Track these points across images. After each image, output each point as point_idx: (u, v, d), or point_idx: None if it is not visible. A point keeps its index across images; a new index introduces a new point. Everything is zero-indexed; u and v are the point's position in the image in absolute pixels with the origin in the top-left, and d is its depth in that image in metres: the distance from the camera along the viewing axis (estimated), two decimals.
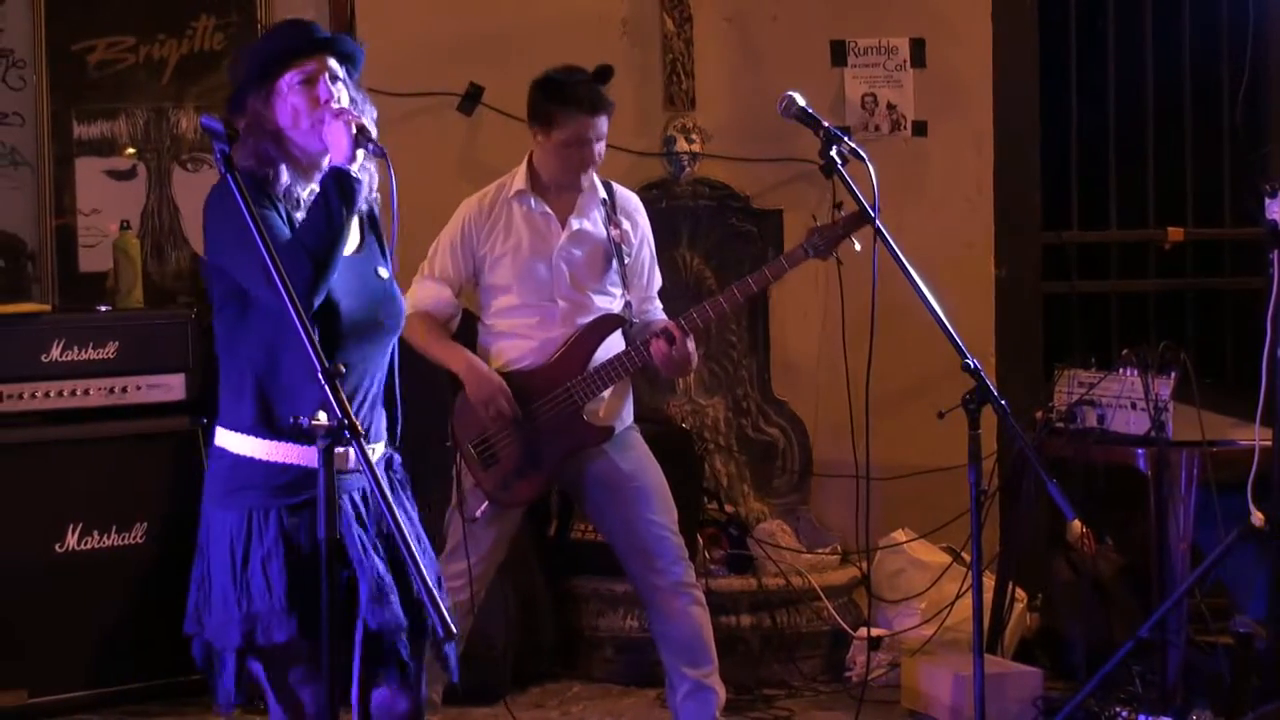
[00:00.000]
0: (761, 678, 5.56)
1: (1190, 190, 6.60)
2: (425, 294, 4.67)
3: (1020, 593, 5.60)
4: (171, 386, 5.30)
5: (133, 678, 5.20)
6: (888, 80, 6.21)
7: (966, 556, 5.06)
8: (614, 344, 4.63)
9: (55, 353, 5.18)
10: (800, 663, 5.63)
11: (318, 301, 3.13)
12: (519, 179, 4.66)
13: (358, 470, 3.18)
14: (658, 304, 4.79)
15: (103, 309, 5.41)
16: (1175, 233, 5.81)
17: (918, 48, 6.23)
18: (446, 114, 5.94)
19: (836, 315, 4.62)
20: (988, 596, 5.02)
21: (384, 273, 3.34)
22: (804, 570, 5.67)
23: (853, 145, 3.81)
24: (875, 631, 5.50)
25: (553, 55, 4.69)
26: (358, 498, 3.26)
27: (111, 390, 5.24)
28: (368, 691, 3.29)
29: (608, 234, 4.65)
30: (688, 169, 6.06)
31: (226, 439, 3.24)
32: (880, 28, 6.20)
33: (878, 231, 3.77)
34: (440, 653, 3.34)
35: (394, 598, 3.21)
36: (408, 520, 3.31)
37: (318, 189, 3.21)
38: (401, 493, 3.39)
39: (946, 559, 5.65)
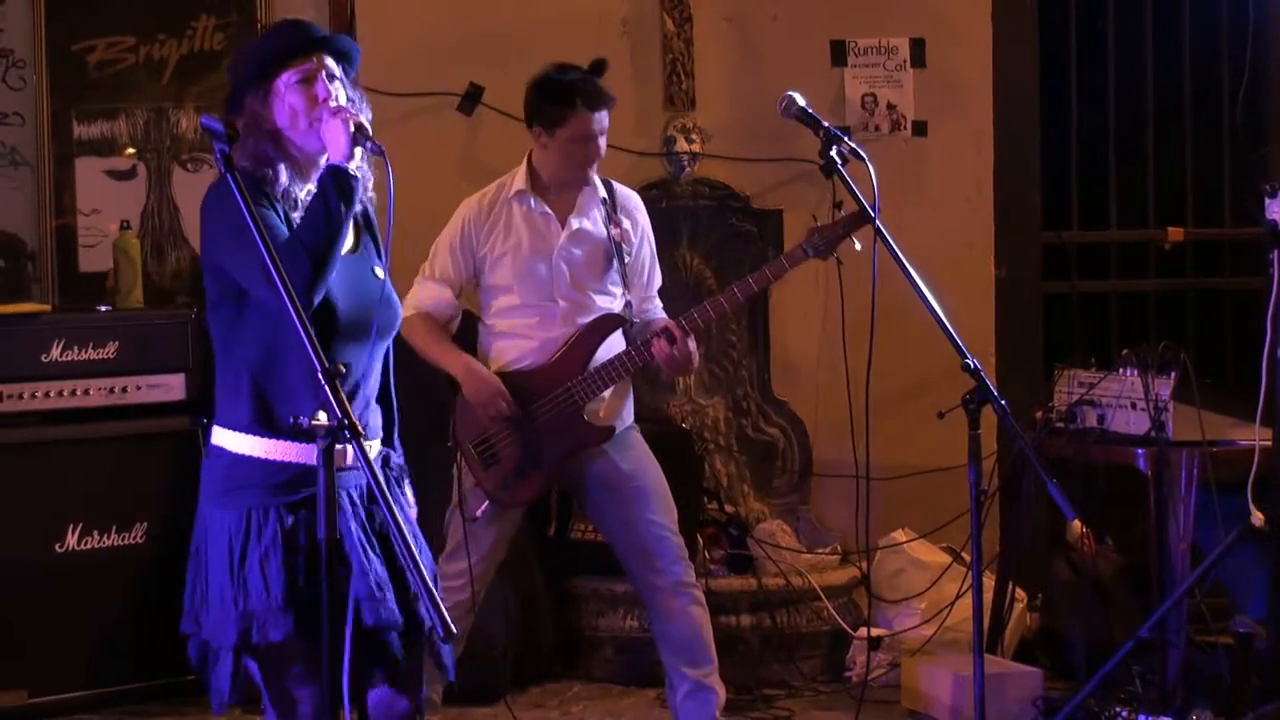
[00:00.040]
0: (761, 678, 5.56)
1: (1190, 190, 6.60)
2: (426, 295, 4.67)
3: (1020, 593, 5.60)
4: (171, 386, 5.30)
5: (133, 678, 5.20)
6: (888, 80, 6.21)
7: (966, 556, 5.06)
8: (615, 344, 4.63)
9: (55, 353, 5.18)
10: (800, 663, 5.63)
11: (317, 299, 3.13)
12: (519, 179, 4.66)
13: (355, 467, 3.18)
14: (658, 303, 4.79)
15: (103, 309, 5.41)
16: (1175, 233, 5.82)
17: (918, 48, 6.23)
18: (446, 114, 5.94)
19: (836, 315, 4.62)
20: (988, 596, 5.02)
21: (379, 272, 3.35)
22: (804, 570, 5.67)
23: (853, 145, 3.81)
24: (875, 631, 5.50)
25: (553, 55, 4.69)
26: (355, 495, 3.26)
27: (111, 390, 5.24)
28: (364, 691, 3.29)
29: (608, 233, 4.65)
30: (688, 169, 6.06)
31: (224, 438, 3.24)
32: (880, 28, 6.20)
33: (878, 231, 3.77)
34: (435, 652, 3.34)
35: (390, 596, 3.21)
36: (405, 519, 3.31)
37: (315, 188, 3.21)
38: (398, 489, 3.40)
39: (946, 559, 5.65)
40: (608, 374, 4.56)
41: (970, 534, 3.69)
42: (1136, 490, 5.05)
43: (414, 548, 2.91)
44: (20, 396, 5.13)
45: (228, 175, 2.96)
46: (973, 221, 6.26)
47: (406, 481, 3.51)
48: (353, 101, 3.26)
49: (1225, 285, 6.65)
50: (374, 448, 3.32)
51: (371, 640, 3.20)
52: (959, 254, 6.17)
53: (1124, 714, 4.67)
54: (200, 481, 3.28)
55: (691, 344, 4.52)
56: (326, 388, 2.84)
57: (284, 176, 3.24)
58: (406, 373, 3.81)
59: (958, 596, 5.41)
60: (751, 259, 5.97)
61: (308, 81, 3.23)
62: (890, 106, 6.21)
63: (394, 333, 3.38)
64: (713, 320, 4.67)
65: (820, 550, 5.83)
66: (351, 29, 5.81)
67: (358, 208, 3.27)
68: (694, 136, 6.04)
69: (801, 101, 3.93)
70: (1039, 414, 5.28)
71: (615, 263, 4.65)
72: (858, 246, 4.34)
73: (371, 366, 3.31)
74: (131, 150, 5.86)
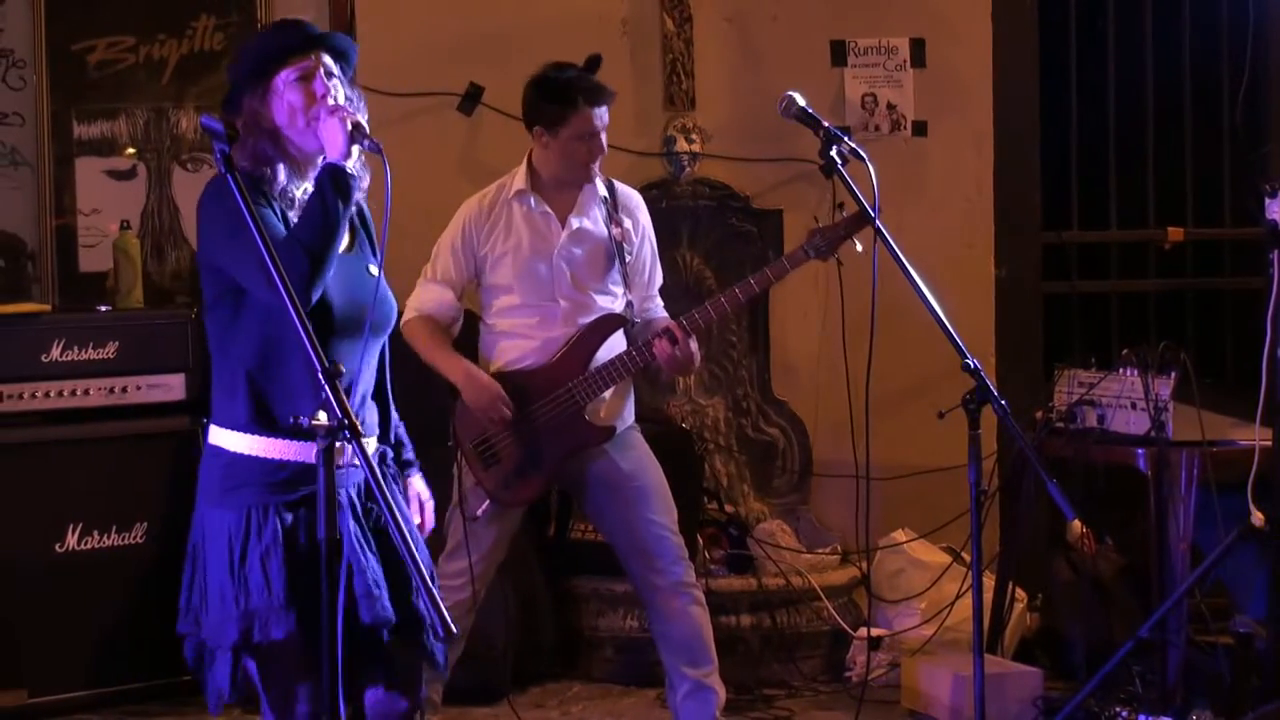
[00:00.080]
0: (761, 678, 5.56)
1: (1190, 190, 6.60)
2: (428, 297, 4.67)
3: (1020, 593, 5.60)
4: (171, 386, 5.30)
5: (133, 678, 5.20)
6: (888, 80, 6.21)
7: (966, 556, 5.06)
8: (616, 344, 4.63)
9: (55, 353, 5.18)
10: (800, 663, 5.63)
11: (315, 297, 3.13)
12: (519, 179, 4.66)
13: (353, 465, 3.18)
14: (659, 302, 4.79)
15: (103, 309, 5.41)
16: (1175, 233, 5.82)
17: (918, 48, 6.23)
18: (446, 114, 5.94)
19: (836, 315, 4.62)
20: (988, 596, 5.02)
21: (374, 270, 3.35)
22: (804, 570, 5.67)
23: (853, 145, 3.81)
24: (875, 631, 5.50)
25: (553, 55, 4.69)
26: (353, 493, 3.27)
27: (111, 390, 5.24)
28: (359, 690, 3.29)
29: (609, 233, 4.65)
30: (688, 169, 6.06)
31: (221, 437, 3.24)
32: (880, 28, 6.20)
33: (878, 232, 3.77)
34: (428, 650, 3.34)
35: (385, 594, 3.21)
36: (404, 517, 3.31)
37: (312, 187, 3.21)
38: (395, 487, 3.40)
39: (946, 559, 5.65)
40: (609, 374, 4.56)
41: (970, 534, 3.69)
42: (1136, 490, 5.05)
43: (413, 546, 2.91)
44: (20, 396, 5.13)
45: (228, 175, 2.96)
46: (973, 221, 6.26)
47: (419, 474, 3.51)
48: (350, 100, 3.27)
49: (1225, 285, 6.65)
50: (370, 445, 3.32)
51: (367, 638, 3.20)
52: (959, 254, 6.18)
53: (1124, 714, 4.67)
54: (197, 481, 3.28)
55: (693, 344, 4.52)
56: (326, 387, 2.84)
57: (282, 175, 3.24)
58: (406, 372, 3.82)
59: (958, 596, 5.41)
60: (751, 259, 5.97)
61: (306, 79, 3.24)
62: (890, 106, 6.21)
63: (389, 330, 3.38)
64: (714, 321, 4.67)
65: (820, 550, 5.83)
66: (351, 29, 5.82)
67: (354, 207, 3.28)
68: (694, 136, 6.04)
69: (801, 101, 3.93)
70: (1039, 414, 5.28)
71: (616, 262, 4.65)
72: (859, 248, 4.34)
73: (366, 364, 3.31)
74: (131, 150, 5.86)
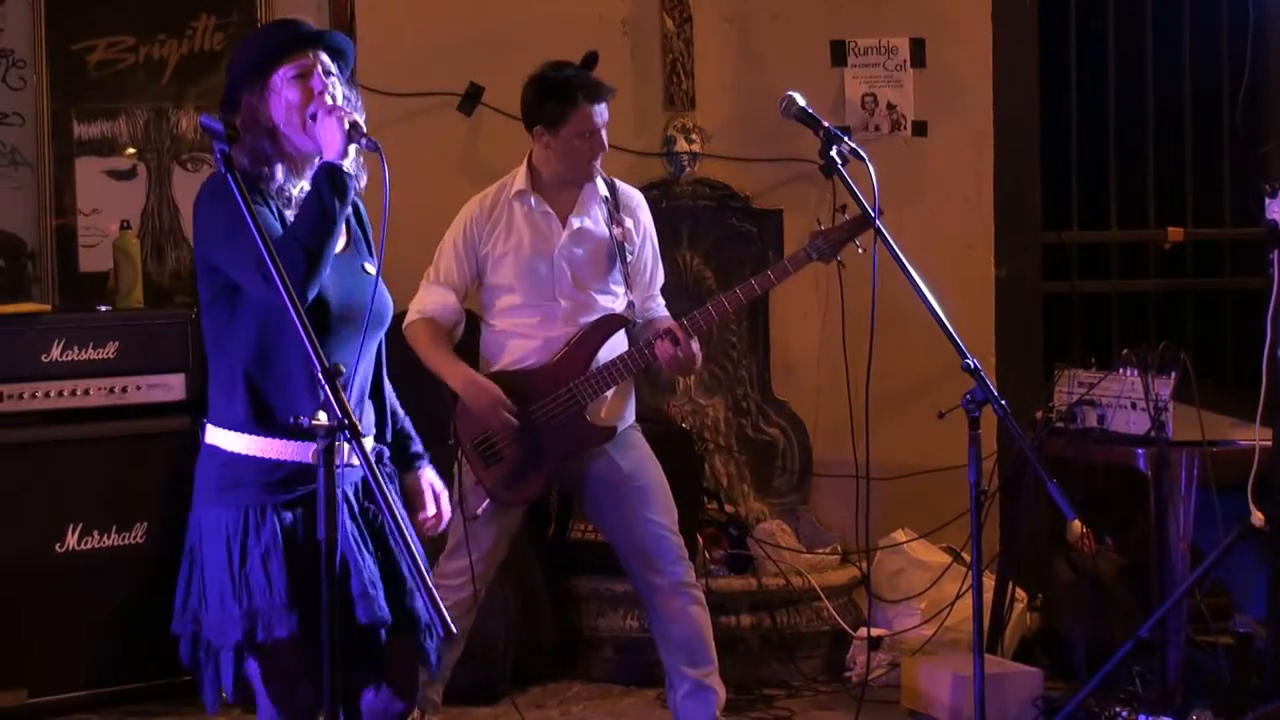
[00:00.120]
0: (761, 678, 5.56)
1: (1190, 190, 6.60)
2: (431, 300, 4.67)
3: (1020, 593, 5.60)
4: (171, 386, 5.30)
5: (133, 678, 5.19)
6: (888, 80, 6.21)
7: (966, 556, 5.06)
8: (617, 344, 4.63)
9: (55, 353, 5.18)
10: (800, 663, 5.63)
11: (311, 295, 3.13)
12: (519, 179, 4.66)
13: (350, 465, 3.18)
14: (660, 301, 4.79)
15: (103, 309, 5.41)
16: (1175, 233, 5.81)
17: (918, 48, 6.23)
18: (446, 114, 5.94)
19: (836, 315, 4.63)
20: (988, 596, 5.02)
21: (370, 269, 3.36)
22: (804, 570, 5.67)
23: (853, 145, 3.81)
24: (875, 631, 5.50)
25: (553, 55, 4.69)
26: (350, 493, 3.27)
27: (111, 390, 5.24)
28: (357, 690, 3.29)
29: (610, 232, 4.65)
30: (688, 169, 6.06)
31: (218, 436, 3.24)
32: (880, 28, 6.20)
33: (878, 232, 3.77)
34: (424, 651, 3.34)
35: (381, 593, 3.21)
36: (402, 517, 3.31)
37: (309, 185, 3.22)
38: (391, 487, 3.39)
39: (946, 559, 5.65)
40: (610, 374, 4.56)
41: (970, 534, 3.69)
42: (1136, 490, 5.05)
43: (413, 546, 2.91)
44: (20, 396, 5.13)
45: (228, 175, 2.96)
46: (973, 221, 6.26)
47: (429, 466, 3.51)
48: (348, 99, 3.28)
49: (1225, 285, 6.65)
50: (367, 444, 3.32)
51: (364, 639, 3.20)
52: (959, 254, 6.17)
53: (1124, 714, 4.66)
54: (194, 481, 3.28)
55: (695, 345, 4.53)
56: (326, 387, 2.84)
57: (279, 174, 3.26)
58: (407, 371, 3.82)
59: (958, 596, 5.41)
60: (751, 259, 5.97)
61: (304, 76, 3.25)
62: (890, 106, 6.21)
63: (385, 329, 3.38)
64: (715, 322, 4.67)
65: (820, 550, 5.83)
66: (351, 29, 5.82)
67: (350, 206, 3.29)
68: (694, 136, 6.04)
69: (801, 101, 3.94)
70: (1039, 414, 5.28)
71: (617, 262, 4.65)
72: (861, 250, 4.34)
73: (363, 363, 3.31)
74: (132, 150, 5.86)
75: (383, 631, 3.23)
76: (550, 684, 5.55)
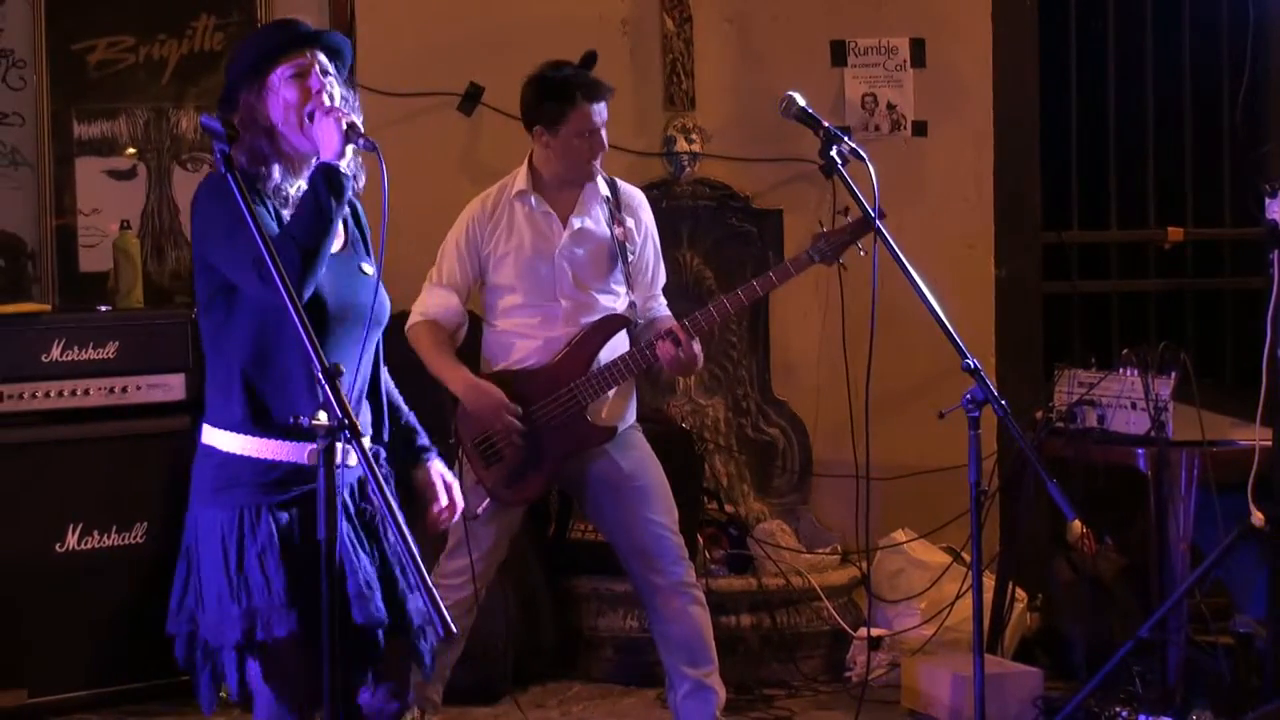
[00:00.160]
0: (761, 678, 5.56)
1: (1190, 190, 6.61)
2: (433, 302, 4.67)
3: (1020, 593, 5.60)
4: (171, 386, 5.30)
5: (133, 678, 5.19)
6: (888, 80, 6.21)
7: (966, 556, 5.06)
8: (619, 344, 4.63)
9: (55, 353, 5.18)
10: (800, 663, 5.63)
11: (307, 294, 3.13)
12: (520, 179, 4.66)
13: (346, 465, 3.18)
14: (662, 300, 4.79)
15: (103, 309, 5.41)
16: (1175, 233, 5.81)
17: (918, 48, 6.23)
18: (446, 114, 5.94)
19: (836, 315, 4.62)
20: (988, 596, 5.01)
21: (368, 269, 3.36)
22: (804, 570, 5.67)
23: (853, 145, 3.81)
24: (875, 631, 5.50)
25: (553, 55, 4.69)
26: (346, 493, 3.26)
27: (111, 390, 5.24)
28: (353, 690, 3.29)
29: (611, 232, 4.65)
30: (688, 169, 6.06)
31: (214, 437, 3.25)
32: (880, 28, 6.20)
33: (878, 232, 3.77)
34: (418, 652, 3.34)
35: (377, 594, 3.21)
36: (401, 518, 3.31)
37: (306, 185, 3.22)
38: (387, 487, 3.39)
39: (946, 559, 5.65)
40: (611, 375, 4.56)
41: (970, 534, 3.69)
42: (1136, 490, 5.05)
43: (412, 546, 2.91)
44: (20, 396, 5.13)
45: (228, 175, 2.96)
46: (973, 221, 6.26)
47: (438, 458, 3.51)
48: (346, 100, 3.28)
49: (1225, 285, 6.66)
50: (365, 444, 3.31)
51: (359, 639, 3.20)
52: (959, 254, 6.18)
53: (1124, 714, 4.66)
54: (191, 481, 3.28)
55: (696, 346, 4.53)
56: (326, 387, 2.84)
57: (276, 173, 3.26)
58: (407, 371, 3.82)
59: (958, 596, 5.41)
60: (752, 259, 5.97)
61: (301, 75, 3.25)
62: (890, 106, 6.21)
63: (382, 329, 3.38)
64: (717, 323, 4.68)
65: (820, 550, 5.83)
66: (351, 29, 5.82)
67: (347, 207, 3.29)
68: (694, 136, 6.04)
69: (801, 101, 3.94)
70: (1039, 414, 5.28)
71: (619, 262, 4.65)
72: (863, 253, 4.34)
73: (360, 363, 3.31)
74: (132, 150, 5.86)
75: (380, 632, 3.23)
76: (550, 684, 5.55)
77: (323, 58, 3.29)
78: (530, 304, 4.62)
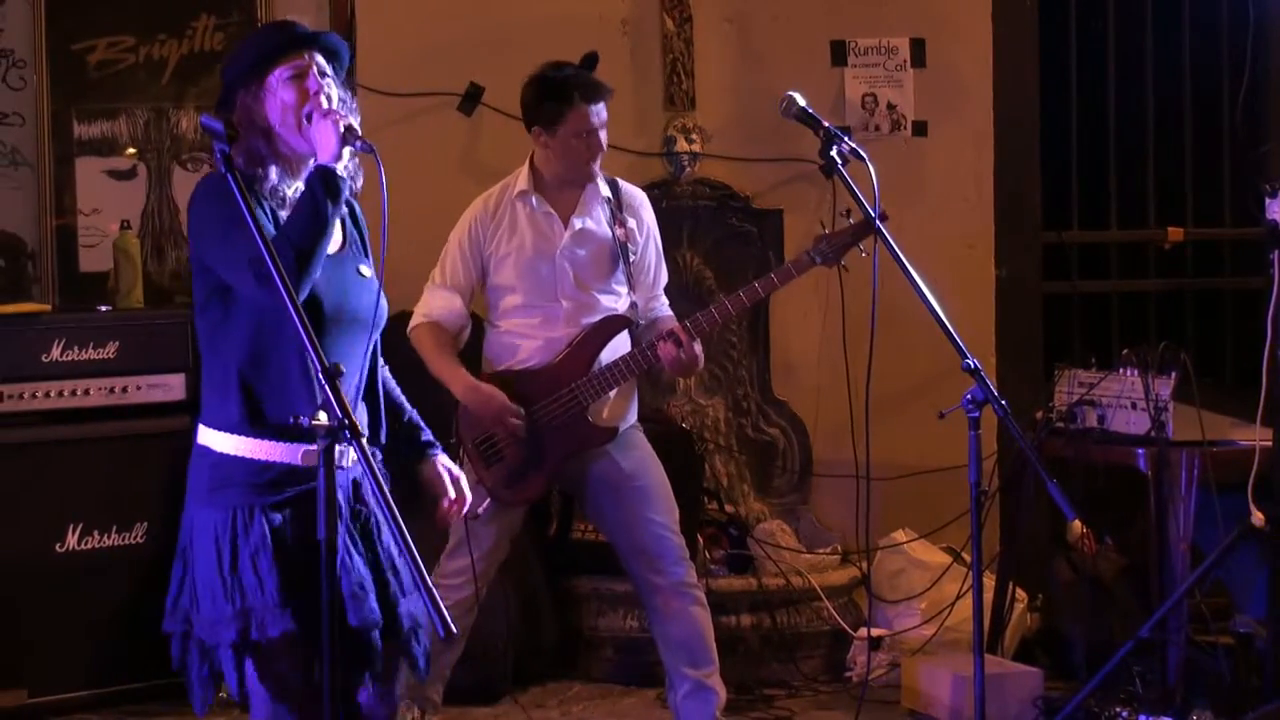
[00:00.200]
0: (761, 678, 5.56)
1: (1190, 190, 6.61)
2: (436, 303, 4.67)
3: (1020, 593, 5.60)
4: (171, 386, 5.30)
5: (133, 678, 5.19)
6: (888, 80, 6.21)
7: (966, 556, 5.06)
8: (620, 344, 4.63)
9: (55, 353, 5.18)
10: (800, 663, 5.63)
11: (303, 294, 3.13)
12: (521, 179, 4.66)
13: (341, 466, 3.17)
14: (663, 300, 4.79)
15: (103, 309, 5.41)
16: (1175, 233, 5.82)
17: (918, 48, 6.23)
18: (446, 114, 5.94)
19: (837, 315, 4.62)
20: (988, 596, 5.01)
21: (365, 271, 3.36)
22: (804, 570, 5.67)
23: (853, 145, 3.81)
24: (875, 631, 5.50)
25: (553, 55, 4.69)
26: (340, 496, 3.26)
27: (111, 390, 5.24)
28: (351, 690, 3.29)
29: (612, 233, 4.65)
30: (688, 169, 6.06)
31: (209, 437, 3.24)
32: (880, 28, 6.20)
33: (878, 233, 3.77)
34: (411, 654, 3.34)
35: (371, 595, 3.21)
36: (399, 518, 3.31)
37: (303, 187, 3.22)
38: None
39: (946, 559, 5.65)
40: (612, 375, 4.56)
41: (970, 534, 3.69)
42: (1136, 490, 5.05)
43: (411, 546, 2.91)
44: (20, 396, 5.13)
45: (228, 175, 2.97)
46: (973, 221, 6.26)
47: (443, 453, 3.51)
48: (343, 101, 3.28)
49: (1225, 285, 6.66)
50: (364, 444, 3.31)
51: (353, 640, 3.20)
52: (959, 254, 6.18)
53: (1124, 714, 4.66)
54: (187, 482, 3.29)
55: (697, 347, 4.53)
56: (326, 387, 2.84)
57: (273, 175, 3.26)
58: (408, 371, 3.82)
59: (958, 596, 5.41)
60: (752, 259, 5.97)
61: (299, 77, 3.25)
62: (890, 106, 6.21)
63: (379, 330, 3.38)
64: (718, 324, 4.68)
65: (820, 550, 5.83)
66: (351, 29, 5.82)
67: (344, 208, 3.29)
68: (694, 136, 6.04)
69: (801, 101, 3.94)
70: (1039, 414, 5.28)
71: (620, 262, 4.65)
72: (864, 255, 4.34)
73: (357, 364, 3.31)
74: (132, 150, 5.86)
75: (376, 634, 3.23)
76: (550, 684, 5.55)
77: (320, 59, 3.29)
78: (531, 304, 4.62)
